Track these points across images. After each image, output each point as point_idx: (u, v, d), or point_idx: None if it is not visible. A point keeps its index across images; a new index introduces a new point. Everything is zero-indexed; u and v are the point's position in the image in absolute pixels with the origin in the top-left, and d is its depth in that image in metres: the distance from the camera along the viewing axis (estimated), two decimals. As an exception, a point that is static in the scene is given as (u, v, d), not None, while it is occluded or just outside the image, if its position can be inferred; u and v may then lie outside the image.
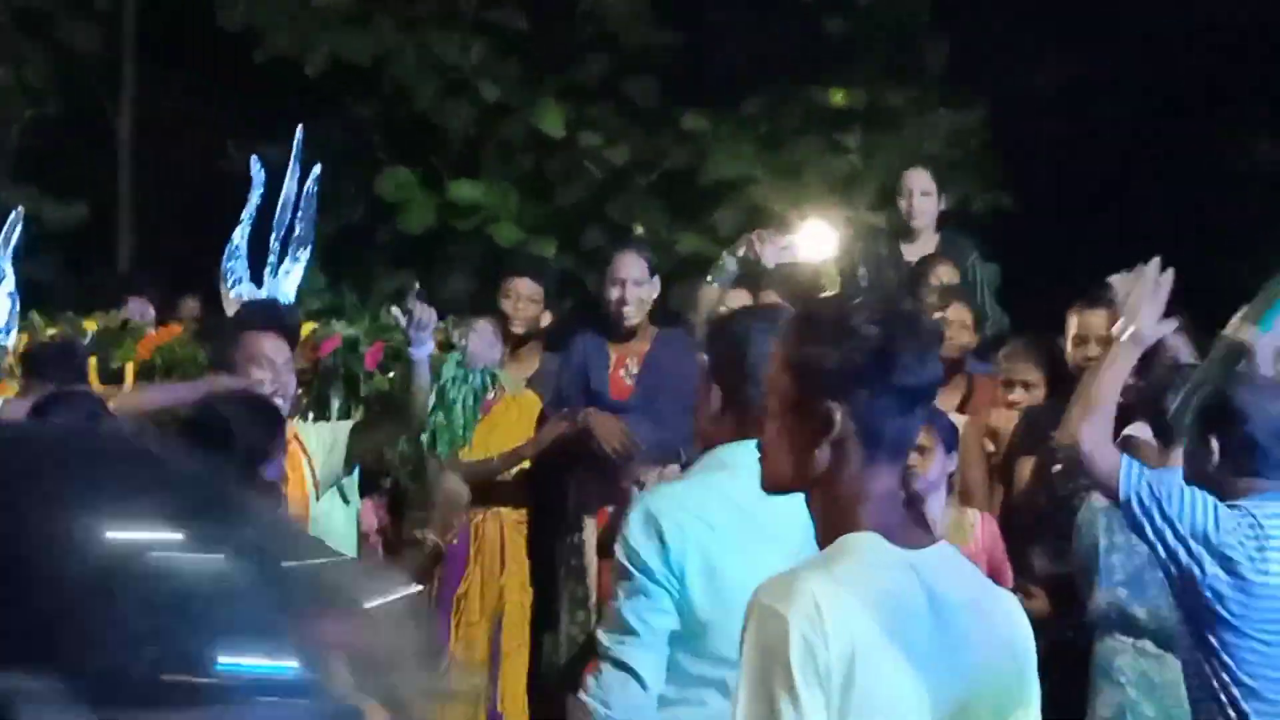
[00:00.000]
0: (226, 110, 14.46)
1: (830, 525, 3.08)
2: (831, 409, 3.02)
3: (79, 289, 12.24)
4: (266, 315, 7.41)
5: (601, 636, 4.10)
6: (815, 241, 8.42)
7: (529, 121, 13.35)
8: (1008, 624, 3.16)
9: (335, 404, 7.45)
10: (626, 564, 4.12)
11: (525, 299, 8.49)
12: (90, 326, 7.94)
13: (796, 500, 3.54)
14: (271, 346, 6.78)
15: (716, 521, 4.12)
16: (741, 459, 3.99)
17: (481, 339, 8.08)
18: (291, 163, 8.00)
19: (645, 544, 4.10)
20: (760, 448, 3.15)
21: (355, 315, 7.84)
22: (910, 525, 3.09)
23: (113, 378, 7.45)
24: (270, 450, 5.11)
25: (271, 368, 6.71)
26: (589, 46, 13.60)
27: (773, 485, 3.15)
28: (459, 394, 7.65)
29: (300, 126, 8.07)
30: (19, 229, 7.21)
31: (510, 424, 8.09)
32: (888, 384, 3.01)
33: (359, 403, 7.49)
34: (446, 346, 7.68)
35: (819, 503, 3.10)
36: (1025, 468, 7.42)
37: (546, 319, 8.68)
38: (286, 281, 8.00)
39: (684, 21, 13.53)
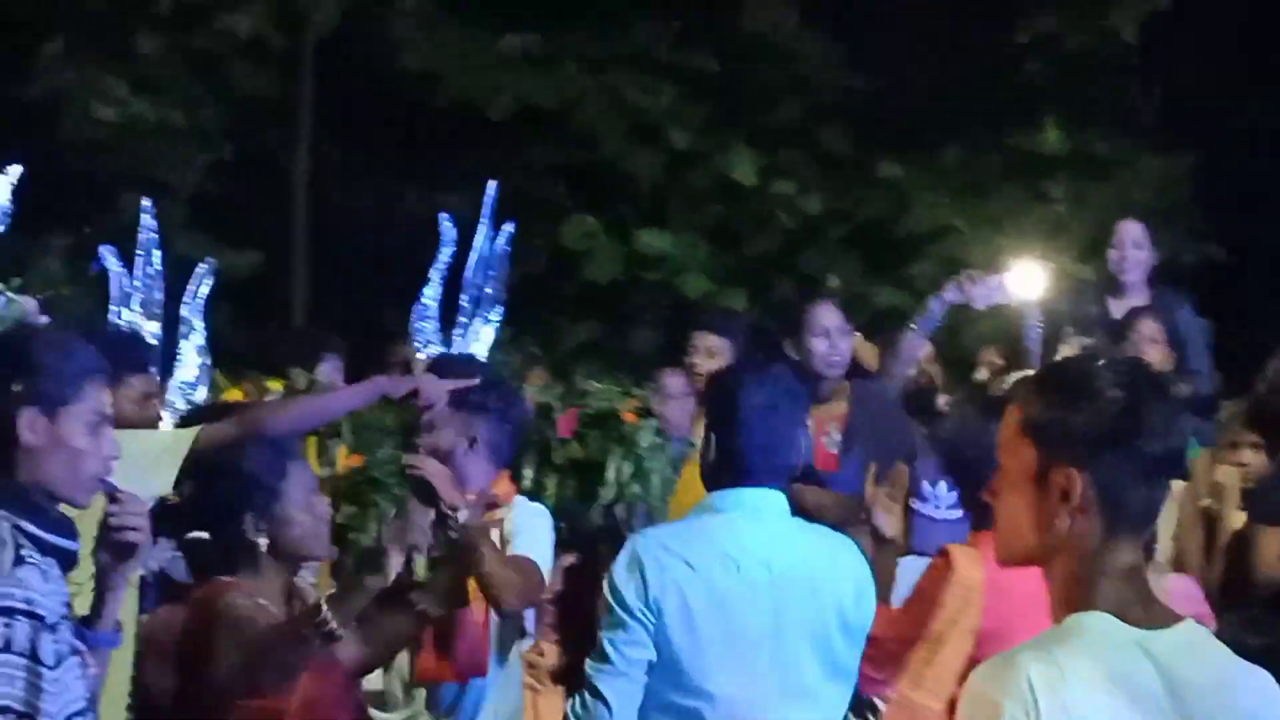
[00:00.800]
0: (404, 156, 14.19)
1: (1063, 600, 2.91)
2: (1072, 476, 2.87)
3: (256, 342, 11.95)
4: (459, 368, 7.15)
5: (586, 664, 4.45)
6: (1025, 283, 8.01)
7: (719, 169, 13.01)
8: (1260, 704, 2.96)
9: (527, 472, 7.11)
10: (609, 598, 4.49)
11: (711, 353, 8.14)
12: (275, 387, 7.59)
13: (780, 548, 4.48)
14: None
15: (698, 562, 4.53)
16: (731, 504, 4.65)
17: (678, 405, 7.67)
18: (482, 219, 7.65)
19: (627, 581, 4.49)
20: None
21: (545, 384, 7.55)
22: (1151, 602, 2.92)
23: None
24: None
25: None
26: (782, 92, 13.26)
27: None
28: (657, 464, 7.29)
29: (494, 184, 7.72)
30: (209, 281, 6.87)
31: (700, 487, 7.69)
32: (1132, 449, 2.87)
33: (553, 471, 7.17)
34: (644, 413, 7.28)
35: (1054, 575, 2.92)
36: (1269, 544, 6.91)
37: (734, 374, 8.26)
38: (477, 343, 7.69)
39: (879, 67, 13.17)
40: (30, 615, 3.67)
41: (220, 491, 4.71)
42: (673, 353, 8.79)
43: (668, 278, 12.84)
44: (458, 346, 7.70)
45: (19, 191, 7.97)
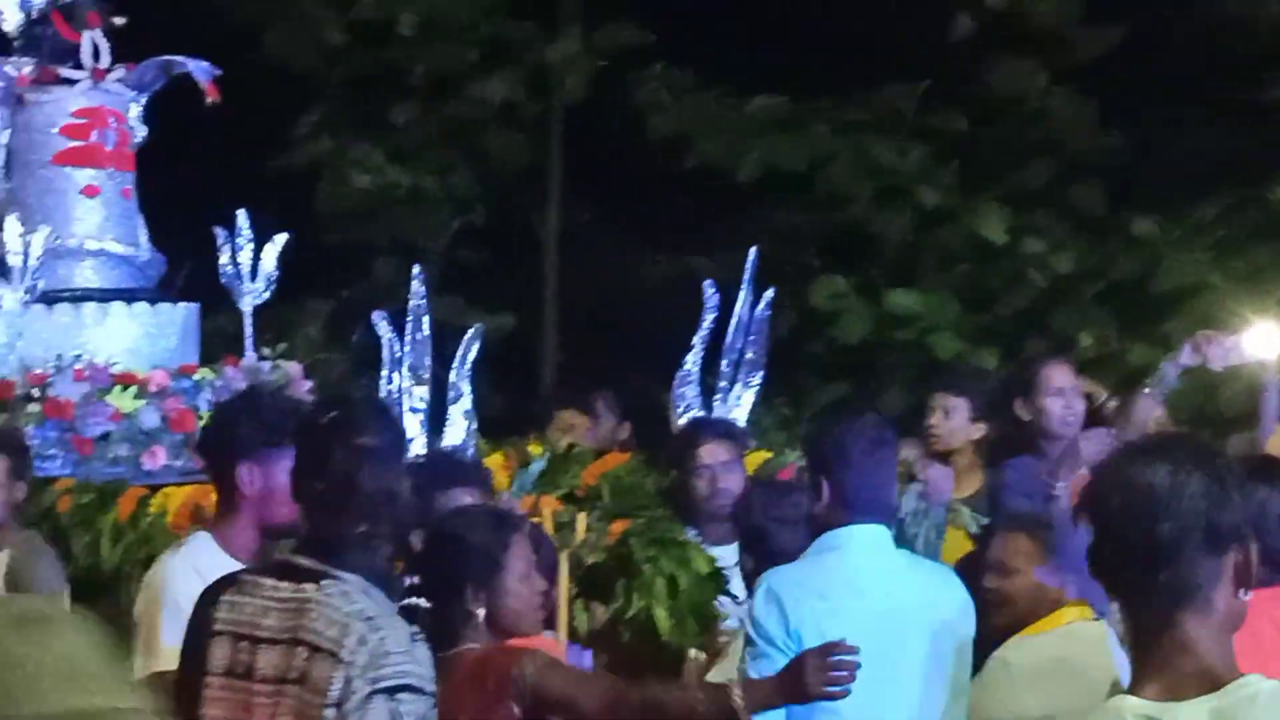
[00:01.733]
0: (652, 219, 14.27)
1: None
2: None
3: (508, 406, 12.08)
4: (718, 430, 7.21)
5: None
6: (1264, 341, 7.87)
7: (969, 228, 12.91)
8: None
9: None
10: (752, 633, 5.07)
11: (948, 412, 8.07)
12: (536, 451, 7.65)
13: (896, 578, 5.15)
14: (715, 450, 6.93)
15: (829, 595, 5.07)
16: (845, 541, 5.19)
17: (944, 471, 7.62)
18: (744, 285, 7.69)
19: (767, 615, 5.04)
20: None
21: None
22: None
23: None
24: None
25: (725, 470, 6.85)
26: (1032, 151, 13.13)
27: None
28: (919, 529, 7.24)
29: (754, 250, 7.75)
30: (476, 347, 6.97)
31: (960, 552, 7.65)
32: None
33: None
34: (906, 479, 7.25)
35: None
36: None
37: (977, 433, 8.18)
38: (737, 409, 7.71)
39: (1130, 124, 13.00)
40: (424, 693, 4.04)
41: (443, 559, 4.74)
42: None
43: (918, 337, 12.75)
44: (718, 412, 7.74)
45: (281, 258, 8.18)
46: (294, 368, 8.11)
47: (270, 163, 14.11)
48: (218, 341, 8.21)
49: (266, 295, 8.07)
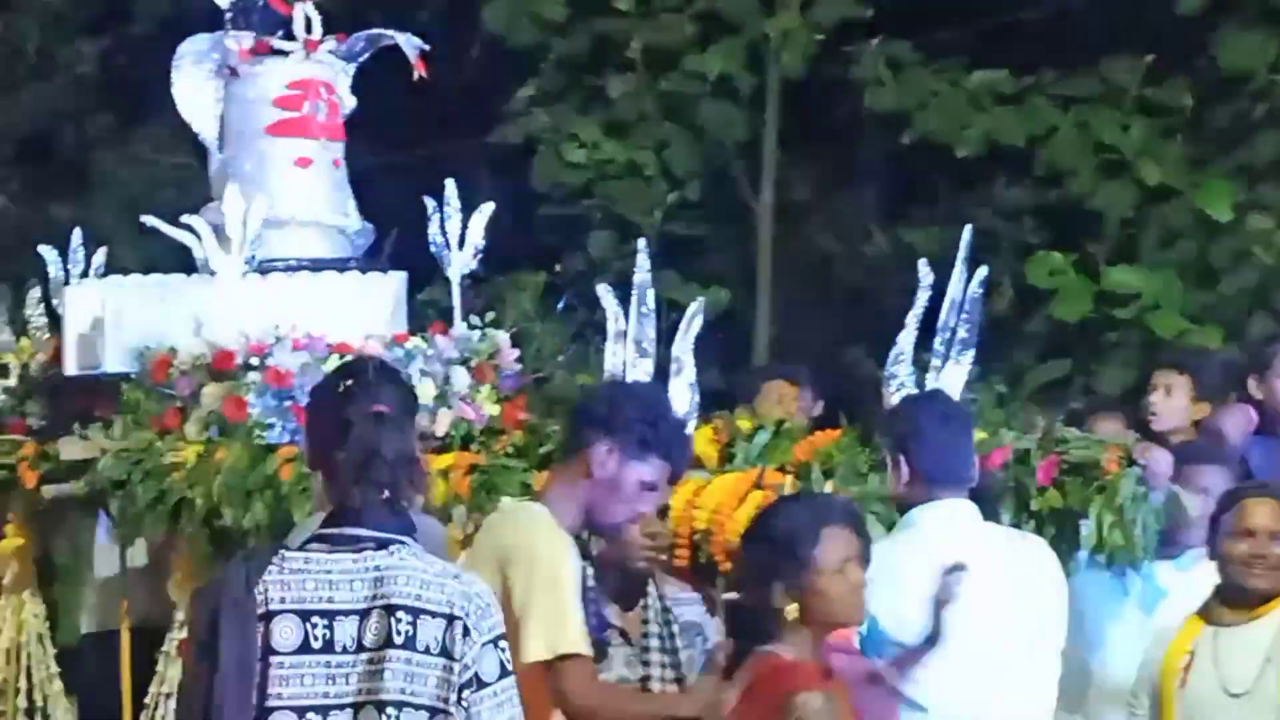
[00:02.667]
0: (869, 194, 14.16)
1: None
2: None
3: (721, 381, 12.04)
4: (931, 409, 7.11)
5: None
6: None
7: (1193, 204, 12.65)
8: None
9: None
10: None
11: (1169, 391, 7.95)
12: (746, 425, 7.58)
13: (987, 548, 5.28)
14: None
15: (905, 573, 5.22)
16: (923, 517, 5.42)
17: (1164, 454, 7.47)
18: (958, 263, 7.57)
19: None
20: None
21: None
22: None
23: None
24: None
25: None
26: (1259, 125, 12.82)
27: None
28: (1138, 513, 7.11)
29: (968, 227, 7.62)
30: (699, 320, 6.91)
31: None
32: None
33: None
34: (1127, 462, 7.11)
35: None
36: None
37: (1199, 413, 8.04)
38: (948, 386, 7.60)
39: (1361, 95, 12.67)
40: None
41: (751, 556, 4.65)
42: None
43: (1139, 316, 12.52)
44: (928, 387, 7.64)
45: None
46: (502, 336, 8.13)
47: (486, 137, 14.22)
48: (430, 313, 8.24)
49: (474, 265, 8.09)
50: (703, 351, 12.93)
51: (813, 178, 14.88)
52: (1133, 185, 12.86)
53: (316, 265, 7.97)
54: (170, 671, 7.12)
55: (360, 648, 4.12)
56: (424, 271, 8.23)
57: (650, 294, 6.83)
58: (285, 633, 4.15)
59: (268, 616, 4.15)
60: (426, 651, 4.11)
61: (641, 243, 6.97)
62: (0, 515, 8.15)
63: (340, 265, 8.06)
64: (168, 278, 7.99)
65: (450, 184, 8.00)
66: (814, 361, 10.58)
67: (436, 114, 14.10)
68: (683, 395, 6.81)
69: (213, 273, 7.66)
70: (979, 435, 7.24)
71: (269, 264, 7.80)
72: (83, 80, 16.02)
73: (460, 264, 8.02)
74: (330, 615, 4.14)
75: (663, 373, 6.91)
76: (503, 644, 4.21)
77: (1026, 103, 13.06)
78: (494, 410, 7.81)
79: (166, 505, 7.28)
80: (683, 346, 6.82)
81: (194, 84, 8.08)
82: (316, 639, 4.13)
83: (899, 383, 7.63)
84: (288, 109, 8.03)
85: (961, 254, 7.63)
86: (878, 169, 14.75)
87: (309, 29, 8.11)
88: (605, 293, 6.82)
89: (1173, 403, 7.96)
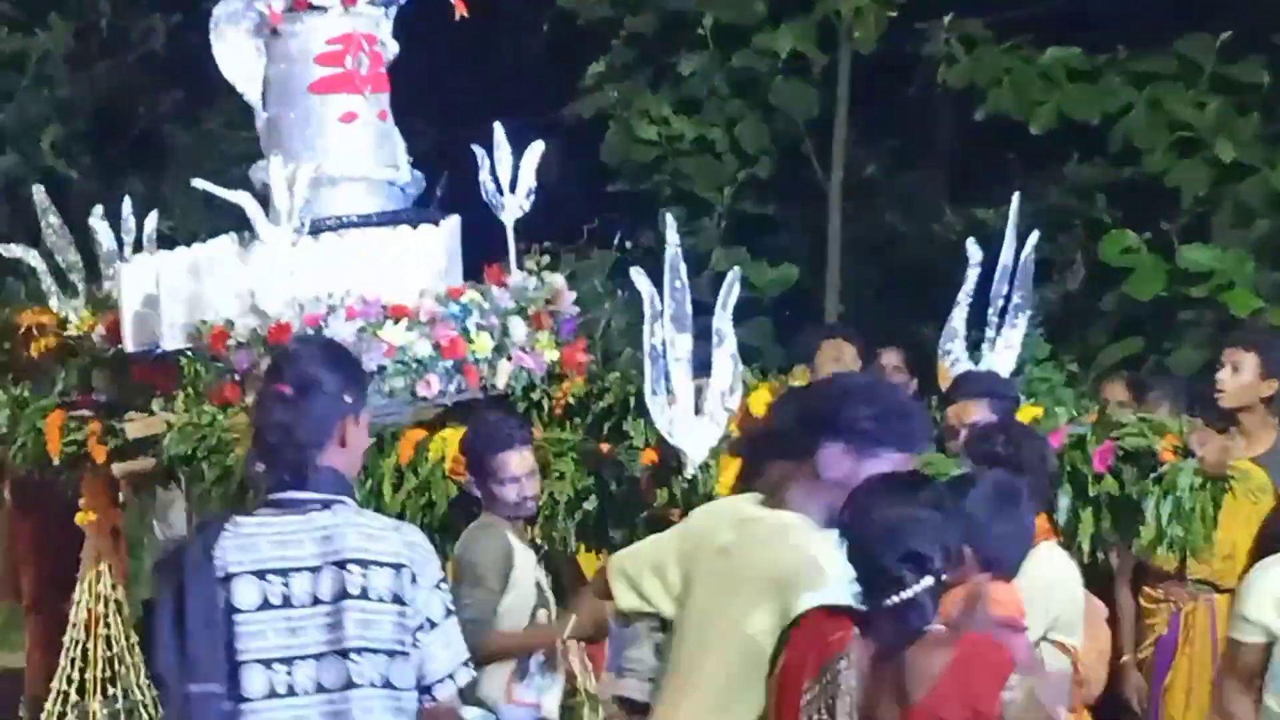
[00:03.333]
0: (941, 170, 14.06)
1: None
2: None
3: (786, 352, 11.99)
4: (980, 385, 7.04)
5: None
6: None
7: (1268, 182, 12.49)
8: None
9: (1063, 503, 6.94)
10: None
11: (1237, 368, 7.85)
12: (801, 379, 7.53)
13: None
14: (966, 409, 6.75)
15: None
16: None
17: (1219, 443, 7.35)
18: (1008, 231, 7.51)
19: None
20: None
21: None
22: None
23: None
24: None
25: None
26: (1337, 104, 12.69)
27: None
28: (1196, 501, 7.00)
29: (1017, 194, 7.54)
30: (736, 289, 6.84)
31: (1243, 517, 7.39)
32: None
33: (1088, 505, 6.96)
34: (1184, 452, 7.00)
35: None
36: None
37: (1267, 390, 7.92)
38: (1005, 354, 7.55)
39: None
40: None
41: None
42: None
43: (1213, 294, 12.37)
44: (985, 361, 7.56)
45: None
46: (559, 280, 8.07)
47: (558, 113, 14.19)
48: (484, 256, 8.15)
49: (527, 207, 8.03)
50: (774, 329, 12.92)
51: (884, 155, 14.80)
52: (1207, 163, 12.71)
53: (367, 221, 7.88)
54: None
55: (316, 601, 4.45)
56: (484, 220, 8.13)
57: (682, 268, 6.75)
58: (245, 592, 4.47)
59: (228, 579, 4.48)
60: (380, 600, 4.45)
61: (669, 218, 6.87)
62: (73, 489, 8.21)
63: (392, 219, 7.96)
64: (217, 248, 7.91)
65: (498, 127, 7.94)
66: (884, 338, 10.48)
67: (507, 89, 14.08)
68: (725, 366, 6.76)
69: (262, 240, 7.62)
70: (1034, 412, 7.18)
71: (320, 223, 7.73)
72: (153, 56, 16.07)
73: (513, 207, 7.96)
74: (285, 573, 4.48)
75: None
76: (443, 586, 4.58)
77: (1100, 80, 12.92)
78: (553, 355, 7.79)
79: (233, 480, 7.27)
80: (722, 317, 6.76)
81: (233, 44, 8.00)
82: (275, 596, 4.47)
83: (954, 359, 7.59)
84: (330, 65, 7.95)
85: (1012, 220, 7.57)
86: (949, 146, 14.65)
87: (346, -18, 8.04)
88: (638, 275, 6.74)
89: (1240, 379, 7.83)
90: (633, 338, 8.55)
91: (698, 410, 6.78)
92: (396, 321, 7.39)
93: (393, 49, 8.16)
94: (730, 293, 6.78)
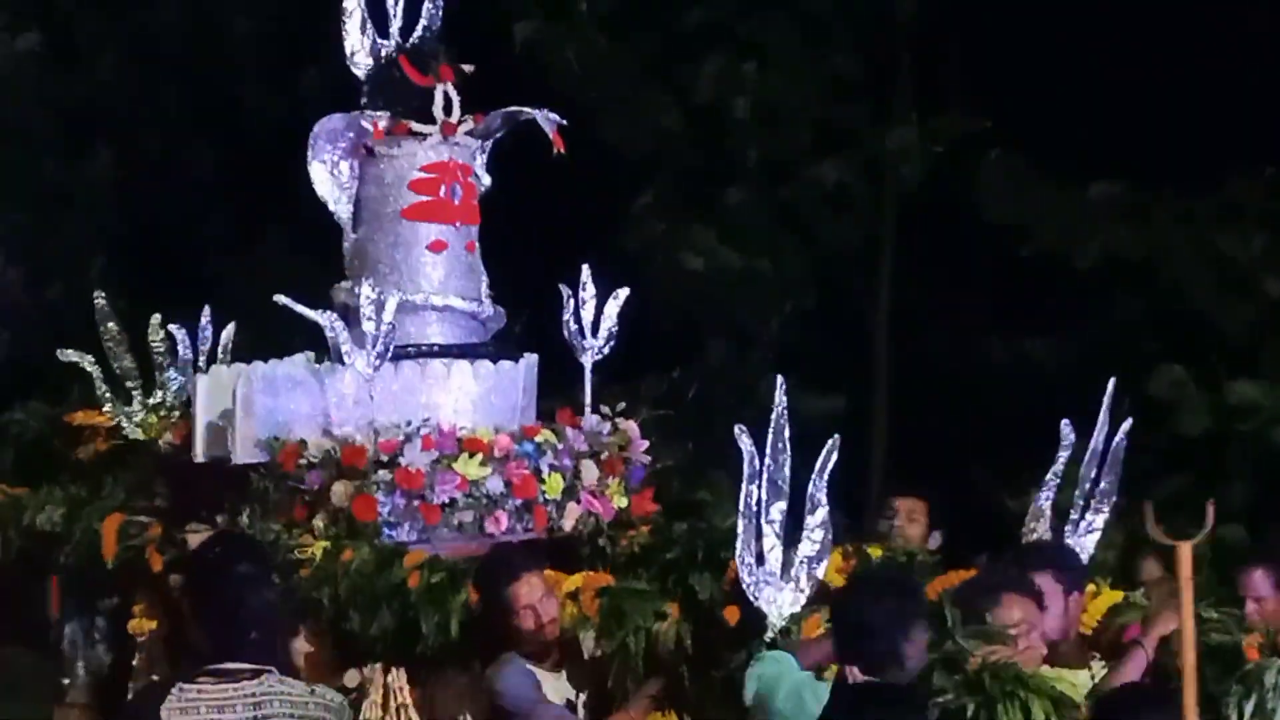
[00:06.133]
0: (987, 304, 14.10)
1: None
2: None
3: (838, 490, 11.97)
4: (1042, 561, 7.08)
5: None
6: None
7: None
8: None
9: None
10: None
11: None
12: (876, 554, 7.53)
13: None
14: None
15: None
16: None
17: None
18: (1102, 413, 7.50)
19: None
20: None
21: None
22: None
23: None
24: None
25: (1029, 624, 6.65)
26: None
27: None
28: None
29: (1113, 380, 7.51)
30: (834, 458, 6.74)
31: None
32: None
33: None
34: (1269, 650, 6.97)
35: None
36: None
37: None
38: (1088, 538, 7.55)
39: None
40: None
41: None
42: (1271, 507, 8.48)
43: (1261, 429, 12.38)
44: (1069, 540, 7.54)
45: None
46: (633, 427, 8.12)
47: (608, 242, 14.26)
48: (558, 398, 8.22)
49: (607, 350, 8.09)
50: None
51: (930, 287, 14.84)
52: (1254, 298, 12.76)
53: (448, 352, 7.97)
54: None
55: None
56: (556, 355, 8.21)
57: (786, 432, 6.68)
58: None
59: None
60: None
61: (780, 380, 6.71)
62: (129, 594, 8.24)
63: (472, 352, 8.04)
64: (297, 366, 8.02)
65: (585, 269, 8.02)
66: (931, 472, 10.49)
67: (552, 224, 14.15)
68: (817, 535, 6.73)
69: (344, 363, 7.68)
70: (1114, 598, 7.20)
71: (400, 350, 7.80)
72: (201, 183, 16.15)
73: (593, 350, 8.02)
74: None
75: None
76: None
77: (1146, 216, 13.00)
78: (622, 503, 7.82)
79: (294, 599, 7.31)
80: (818, 484, 6.72)
81: (329, 162, 8.09)
82: None
83: (1038, 537, 7.61)
84: (423, 193, 8.07)
85: (1106, 403, 7.56)
86: (996, 279, 14.71)
87: (448, 110, 8.12)
88: (741, 432, 6.64)
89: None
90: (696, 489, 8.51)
91: (784, 574, 6.74)
92: (471, 455, 7.44)
93: (485, 182, 8.24)
94: (829, 460, 6.73)
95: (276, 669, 5.24)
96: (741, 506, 6.70)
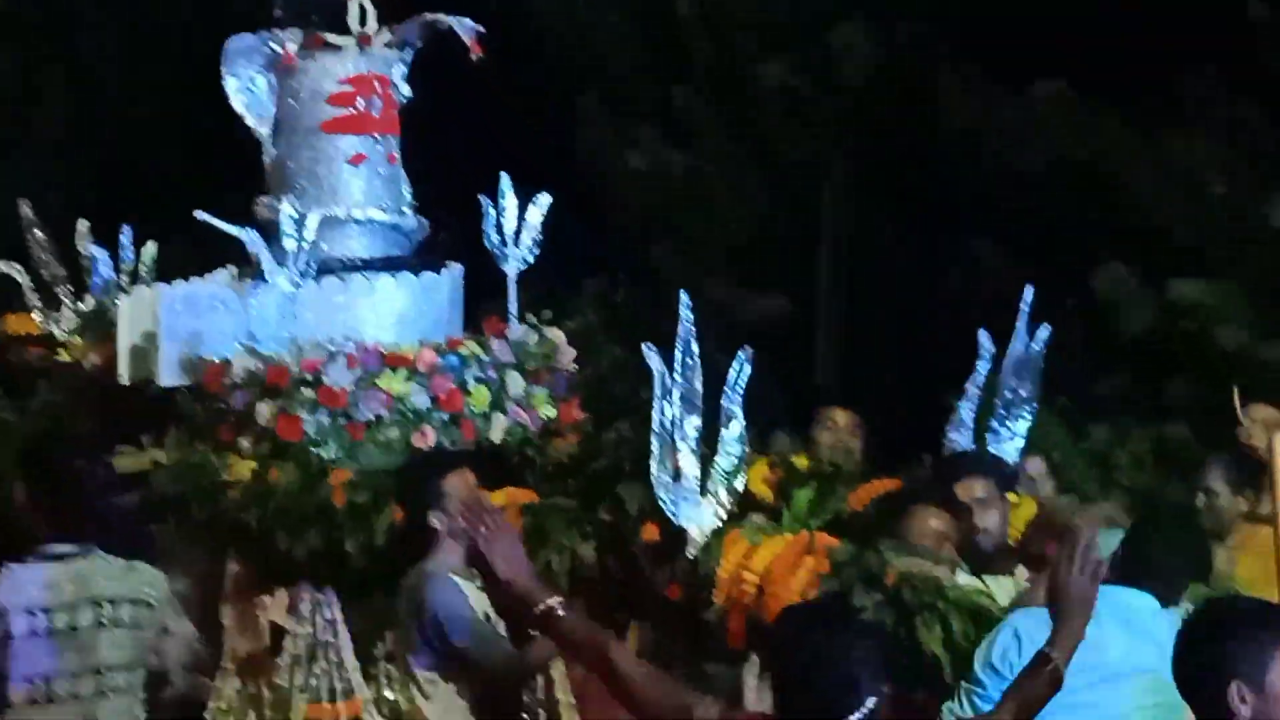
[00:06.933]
0: (937, 209, 14.00)
1: None
2: None
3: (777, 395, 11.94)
4: (981, 464, 7.10)
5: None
6: None
7: (1259, 216, 12.50)
8: None
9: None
10: (981, 674, 5.68)
11: (1268, 426, 7.86)
12: (802, 464, 7.49)
13: None
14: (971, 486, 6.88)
15: None
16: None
17: None
18: (1018, 324, 7.48)
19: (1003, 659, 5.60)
20: None
21: None
22: None
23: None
24: None
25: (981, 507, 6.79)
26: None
27: None
28: None
29: (1029, 287, 7.50)
30: (746, 370, 6.68)
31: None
32: None
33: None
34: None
35: None
36: None
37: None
38: (1009, 444, 7.55)
39: None
40: None
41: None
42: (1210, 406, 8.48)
43: (1203, 326, 12.37)
44: (991, 447, 7.56)
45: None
46: (559, 336, 8.07)
47: (550, 143, 14.17)
48: (487, 308, 8.15)
49: (531, 259, 8.03)
50: (762, 360, 12.80)
51: (878, 190, 14.75)
52: (1198, 198, 12.73)
53: (370, 265, 7.89)
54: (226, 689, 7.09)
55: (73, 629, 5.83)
56: (481, 265, 8.13)
57: (694, 346, 6.64)
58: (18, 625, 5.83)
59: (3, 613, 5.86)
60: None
61: (684, 296, 6.66)
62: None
63: (395, 264, 7.97)
64: (219, 286, 7.94)
65: (504, 176, 7.95)
66: (877, 376, 10.45)
67: (498, 114, 14.05)
68: (733, 448, 6.70)
69: (265, 279, 7.61)
70: (1030, 507, 7.25)
71: (323, 264, 7.74)
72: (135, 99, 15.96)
73: (516, 259, 7.96)
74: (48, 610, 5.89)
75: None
76: None
77: (1092, 117, 12.93)
78: (550, 413, 7.78)
79: (221, 525, 7.27)
80: (731, 398, 6.70)
81: (244, 77, 8.04)
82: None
83: (956, 446, 7.62)
84: (342, 106, 7.98)
85: (1023, 312, 7.55)
86: (946, 185, 14.62)
87: (363, 21, 8.04)
88: (649, 351, 6.62)
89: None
90: (625, 396, 8.44)
91: (703, 490, 6.71)
92: (395, 370, 7.38)
93: (405, 92, 8.17)
94: (741, 374, 6.71)
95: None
96: (655, 425, 6.65)
